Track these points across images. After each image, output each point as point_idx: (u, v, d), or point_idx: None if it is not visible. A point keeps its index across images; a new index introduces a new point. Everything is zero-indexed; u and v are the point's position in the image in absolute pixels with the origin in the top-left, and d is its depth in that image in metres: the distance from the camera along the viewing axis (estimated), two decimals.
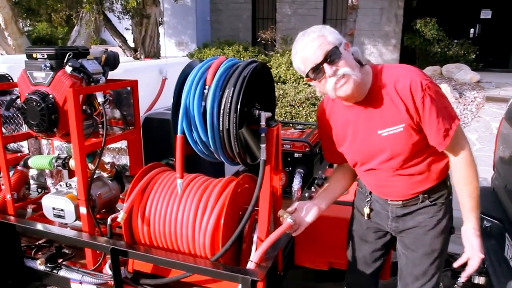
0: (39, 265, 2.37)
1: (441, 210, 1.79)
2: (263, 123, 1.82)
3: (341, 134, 1.83)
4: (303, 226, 1.84)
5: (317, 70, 1.59)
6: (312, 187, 2.84)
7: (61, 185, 2.46)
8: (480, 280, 2.54)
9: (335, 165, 2.20)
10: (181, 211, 2.05)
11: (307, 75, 1.64)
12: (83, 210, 2.25)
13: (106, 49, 2.53)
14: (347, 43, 1.64)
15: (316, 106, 7.35)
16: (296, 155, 3.12)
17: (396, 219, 1.85)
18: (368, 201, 1.93)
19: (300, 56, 1.62)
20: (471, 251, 1.69)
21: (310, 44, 1.58)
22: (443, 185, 1.79)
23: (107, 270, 2.25)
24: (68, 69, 2.17)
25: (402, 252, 1.91)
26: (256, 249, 1.98)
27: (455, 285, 2.54)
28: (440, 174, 1.75)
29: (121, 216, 2.08)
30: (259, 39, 12.76)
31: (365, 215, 1.94)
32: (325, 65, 1.57)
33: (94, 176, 2.31)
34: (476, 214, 1.70)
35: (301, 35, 1.63)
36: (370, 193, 1.92)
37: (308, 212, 1.84)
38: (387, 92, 1.62)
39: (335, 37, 1.59)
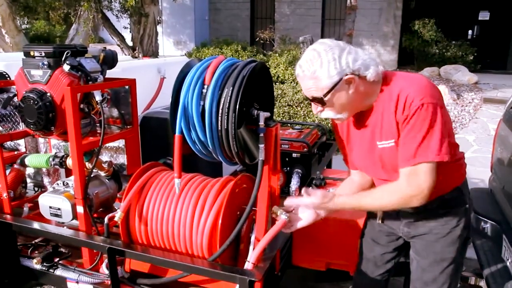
0: (36, 264, 2.36)
1: (455, 218, 1.75)
2: (261, 123, 1.81)
3: (353, 138, 1.83)
4: (294, 227, 1.85)
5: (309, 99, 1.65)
6: (310, 188, 2.84)
7: (58, 184, 2.45)
8: (477, 281, 2.55)
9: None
10: (178, 211, 2.05)
11: None
12: (80, 209, 2.24)
13: (105, 48, 2.53)
14: (353, 77, 1.55)
15: None
16: (294, 155, 3.11)
17: (408, 224, 1.83)
18: None
19: (298, 79, 1.66)
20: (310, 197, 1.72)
21: (302, 80, 1.61)
22: (457, 193, 1.74)
23: (104, 269, 2.24)
24: (66, 67, 2.16)
25: (414, 256, 1.89)
26: (253, 250, 1.97)
27: None
28: (451, 183, 1.72)
29: (118, 215, 2.07)
30: (258, 38, 12.75)
31: (378, 218, 1.94)
32: (313, 104, 1.65)
33: (92, 175, 2.30)
34: (341, 206, 1.70)
35: (303, 59, 1.59)
36: None
37: (305, 216, 1.83)
38: (389, 104, 1.60)
39: (329, 81, 1.53)
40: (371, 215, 2.03)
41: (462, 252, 1.82)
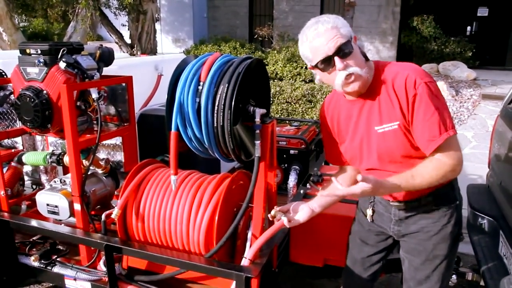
0: (33, 261, 2.37)
1: (446, 215, 1.74)
2: (257, 119, 1.81)
3: (344, 129, 1.80)
4: (295, 223, 1.82)
5: (327, 62, 1.56)
6: (308, 184, 2.84)
7: (55, 182, 2.46)
8: (474, 277, 2.55)
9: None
10: (175, 208, 2.05)
11: (315, 66, 1.61)
12: (77, 206, 2.24)
13: (101, 45, 2.52)
14: (355, 37, 1.61)
15: (312, 103, 7.35)
16: (291, 152, 3.12)
17: (399, 222, 1.82)
18: (371, 202, 1.89)
19: (310, 45, 1.58)
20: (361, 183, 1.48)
21: (323, 34, 1.53)
22: (449, 188, 1.73)
23: (101, 266, 2.25)
24: (62, 64, 2.16)
25: (405, 256, 1.88)
26: (250, 246, 1.98)
27: (450, 282, 2.55)
28: None
29: (115, 212, 2.08)
30: (256, 36, 12.71)
31: (368, 217, 1.91)
32: (336, 58, 1.54)
33: (89, 173, 2.30)
34: (396, 184, 1.55)
35: (313, 22, 1.57)
36: None
37: (301, 213, 1.81)
38: (386, 88, 1.60)
39: (347, 30, 1.56)
40: (360, 213, 2.01)
41: (454, 248, 1.81)
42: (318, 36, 1.54)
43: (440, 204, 1.73)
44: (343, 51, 1.54)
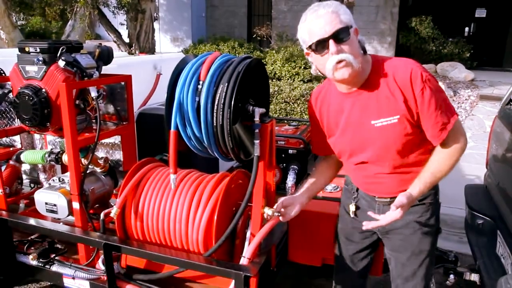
0: (32, 260, 2.36)
1: (429, 210, 1.77)
2: (257, 119, 1.81)
3: (334, 122, 1.78)
4: (288, 217, 1.84)
5: (322, 44, 1.56)
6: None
7: (54, 180, 2.45)
8: (471, 276, 2.56)
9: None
10: (174, 207, 2.05)
11: (309, 47, 1.60)
12: (76, 205, 2.24)
13: (100, 44, 2.52)
14: (357, 29, 1.61)
15: None
16: (290, 151, 3.12)
17: None
18: (354, 198, 1.89)
19: (308, 26, 1.58)
20: (393, 209, 1.57)
21: (322, 17, 1.54)
22: None
23: (100, 265, 2.24)
24: (61, 63, 2.16)
25: (391, 254, 1.88)
26: (249, 245, 1.98)
27: (447, 281, 2.56)
28: None
29: (114, 211, 2.08)
30: (255, 35, 12.71)
31: (351, 213, 1.91)
32: (331, 42, 1.53)
33: (87, 171, 2.30)
34: (423, 189, 1.63)
35: (315, 5, 1.58)
36: (357, 189, 1.88)
37: (292, 208, 1.82)
38: (386, 82, 1.60)
39: (348, 18, 1.56)
40: (342, 210, 2.01)
41: (435, 244, 1.84)
42: (317, 17, 1.55)
43: (423, 199, 1.75)
44: (339, 35, 1.53)
